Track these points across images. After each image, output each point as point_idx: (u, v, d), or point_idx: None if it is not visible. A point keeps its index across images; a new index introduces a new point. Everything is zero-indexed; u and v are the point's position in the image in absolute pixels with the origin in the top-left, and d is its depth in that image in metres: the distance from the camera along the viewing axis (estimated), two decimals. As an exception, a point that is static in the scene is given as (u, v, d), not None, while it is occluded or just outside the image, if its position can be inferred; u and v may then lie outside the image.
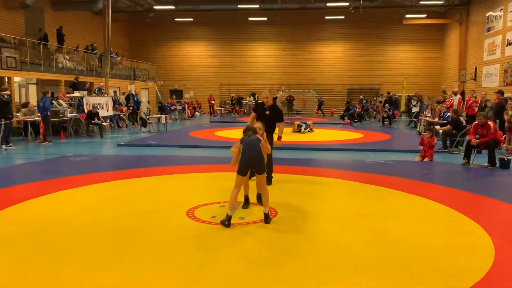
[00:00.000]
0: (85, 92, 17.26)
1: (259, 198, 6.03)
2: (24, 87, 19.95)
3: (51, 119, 14.16)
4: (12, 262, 4.07)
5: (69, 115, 15.82)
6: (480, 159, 10.11)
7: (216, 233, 4.97)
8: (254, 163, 5.39)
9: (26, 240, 4.66)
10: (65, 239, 4.72)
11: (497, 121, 12.35)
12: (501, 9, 21.07)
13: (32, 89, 20.39)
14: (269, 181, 7.25)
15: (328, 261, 4.13)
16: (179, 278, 3.73)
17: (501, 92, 13.84)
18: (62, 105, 15.77)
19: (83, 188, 7.18)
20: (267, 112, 7.28)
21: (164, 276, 3.78)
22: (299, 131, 16.76)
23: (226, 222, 5.15)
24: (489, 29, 22.59)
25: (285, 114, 29.53)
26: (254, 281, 3.71)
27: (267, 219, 5.32)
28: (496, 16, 21.67)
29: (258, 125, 6.02)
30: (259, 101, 7.52)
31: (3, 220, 5.40)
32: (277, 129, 7.40)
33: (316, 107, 30.92)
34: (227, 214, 5.21)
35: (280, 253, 4.34)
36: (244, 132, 5.56)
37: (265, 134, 6.12)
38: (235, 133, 16.76)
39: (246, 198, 6.06)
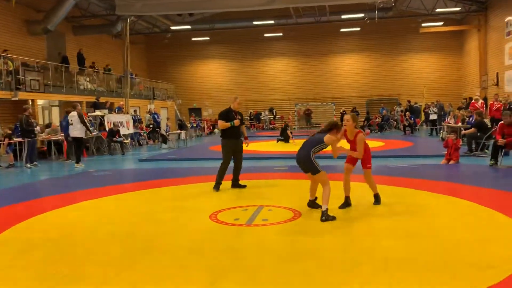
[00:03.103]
0: (106, 111, 17.54)
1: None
2: (47, 109, 20.41)
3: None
4: (39, 264, 4.08)
5: (91, 134, 16.05)
6: (508, 161, 9.82)
7: (241, 234, 4.90)
8: (299, 163, 5.63)
9: (53, 245, 4.67)
10: (91, 243, 4.71)
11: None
12: (520, 12, 20.75)
13: (55, 111, 20.84)
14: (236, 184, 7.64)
15: (357, 257, 4.00)
16: (205, 274, 3.66)
17: (525, 93, 13.50)
18: (84, 124, 16.03)
19: (107, 198, 7.21)
20: (239, 117, 7.53)
21: (190, 273, 3.72)
22: None
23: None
24: (509, 33, 22.23)
25: (303, 127, 29.77)
26: (283, 275, 3.62)
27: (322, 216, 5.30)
28: (515, 20, 21.34)
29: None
30: (227, 109, 7.63)
31: (30, 227, 5.44)
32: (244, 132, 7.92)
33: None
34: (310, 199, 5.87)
35: (307, 250, 4.24)
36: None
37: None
38: (255, 146, 16.74)
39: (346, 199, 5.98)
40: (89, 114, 17.85)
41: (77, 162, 11.94)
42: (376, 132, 23.35)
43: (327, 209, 5.30)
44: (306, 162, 5.48)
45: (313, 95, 31.67)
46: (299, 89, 32.04)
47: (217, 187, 7.55)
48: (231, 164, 7.70)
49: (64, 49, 22.79)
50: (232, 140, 7.56)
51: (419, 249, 4.14)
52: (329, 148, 5.68)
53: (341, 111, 28.58)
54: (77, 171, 11.01)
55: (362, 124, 24.71)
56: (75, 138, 12.09)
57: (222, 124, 7.49)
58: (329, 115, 31.24)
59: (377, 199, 6.03)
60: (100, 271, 3.81)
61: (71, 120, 11.98)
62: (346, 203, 5.91)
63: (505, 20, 22.48)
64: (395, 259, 3.88)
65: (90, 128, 12.69)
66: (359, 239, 4.59)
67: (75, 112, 12.02)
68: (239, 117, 7.54)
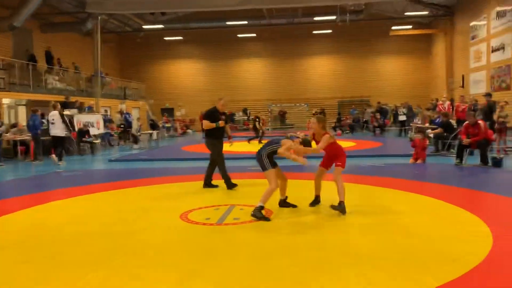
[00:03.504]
0: (75, 111, 17.17)
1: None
2: (13, 108, 19.80)
3: (42, 138, 14.01)
4: (4, 266, 3.95)
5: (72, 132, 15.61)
6: (472, 160, 10.13)
7: (211, 233, 4.89)
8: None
9: (18, 247, 4.54)
10: (57, 244, 4.60)
11: (488, 122, 12.41)
12: (485, 17, 21.48)
13: (22, 110, 20.23)
14: (228, 185, 7.47)
15: (327, 253, 4.06)
16: (175, 275, 3.63)
17: (489, 94, 13.97)
18: (52, 123, 15.63)
19: (74, 198, 7.06)
20: (223, 117, 7.51)
21: (159, 272, 3.68)
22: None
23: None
24: (473, 37, 22.98)
25: (277, 128, 29.90)
26: (253, 273, 3.63)
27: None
28: (480, 24, 22.09)
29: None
30: (212, 109, 7.60)
31: (-7, 229, 5.27)
32: (228, 131, 7.94)
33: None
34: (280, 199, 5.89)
35: (278, 248, 4.27)
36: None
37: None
38: (228, 146, 16.70)
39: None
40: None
41: (60, 159, 12.41)
42: (347, 132, 23.72)
43: (261, 206, 5.35)
44: (258, 158, 5.61)
45: (287, 96, 31.85)
46: (273, 90, 32.15)
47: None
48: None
49: (31, 47, 22.15)
50: (219, 140, 7.53)
51: (388, 245, 4.24)
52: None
53: (313, 112, 28.92)
54: (47, 171, 10.73)
55: (333, 125, 25.04)
56: (55, 137, 12.56)
57: (207, 124, 7.40)
58: (303, 116, 31.54)
59: (340, 207, 5.46)
60: (66, 272, 3.73)
61: (53, 119, 12.48)
62: (316, 201, 5.99)
63: (470, 24, 23.23)
64: (365, 255, 3.96)
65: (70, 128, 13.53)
66: (331, 236, 4.65)
67: (56, 111, 12.61)
68: (223, 117, 7.49)
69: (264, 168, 5.56)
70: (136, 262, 3.95)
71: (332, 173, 5.77)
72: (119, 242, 4.59)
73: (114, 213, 6.01)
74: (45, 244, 4.61)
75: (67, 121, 12.94)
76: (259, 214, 5.29)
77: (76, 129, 16.12)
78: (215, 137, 7.48)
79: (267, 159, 5.56)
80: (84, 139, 15.67)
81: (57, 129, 12.45)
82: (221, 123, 7.38)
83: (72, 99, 18.79)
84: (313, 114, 29.20)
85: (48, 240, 4.76)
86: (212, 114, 7.45)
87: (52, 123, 12.51)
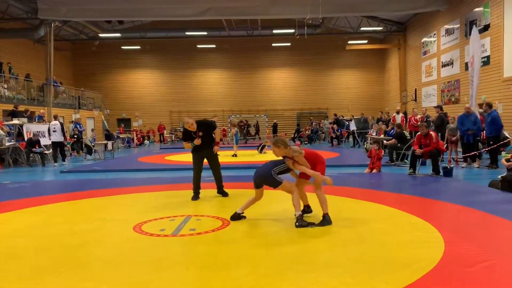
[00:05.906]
0: (25, 120, 16.42)
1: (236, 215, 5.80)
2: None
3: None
4: None
5: (7, 144, 14.90)
6: (425, 170, 10.46)
7: (166, 244, 4.72)
8: (257, 178, 5.60)
9: (-50, 262, 4.19)
10: (-4, 258, 4.29)
11: (439, 134, 12.88)
12: (435, 34, 22.50)
13: (-33, 119, 19.16)
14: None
15: (282, 262, 3.99)
16: (123, 286, 3.45)
17: (440, 107, 14.54)
18: (-1, 133, 14.89)
19: (20, 211, 6.66)
20: (200, 134, 7.38)
21: (106, 285, 3.48)
22: (261, 151, 16.73)
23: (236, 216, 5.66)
24: (425, 53, 24.00)
25: (240, 139, 29.87)
26: (206, 283, 3.51)
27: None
28: (430, 41, 23.10)
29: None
30: (184, 129, 7.55)
31: None
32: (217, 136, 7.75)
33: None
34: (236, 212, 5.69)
35: (235, 258, 4.16)
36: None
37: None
38: (186, 157, 16.47)
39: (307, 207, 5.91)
40: (5, 123, 16.61)
41: (63, 160, 15.27)
42: (306, 143, 24.01)
43: (300, 214, 5.31)
44: (267, 178, 5.40)
45: (247, 107, 32.00)
46: (233, 101, 32.22)
47: (193, 197, 7.34)
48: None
49: (-22, 53, 21.14)
50: (196, 152, 7.47)
51: (341, 252, 4.24)
52: None
53: (272, 123, 29.29)
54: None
55: (292, 136, 25.32)
56: (56, 143, 14.76)
57: (185, 145, 7.49)
58: (263, 127, 31.73)
59: (324, 221, 5.36)
60: (5, 288, 3.47)
61: (54, 128, 14.68)
62: (306, 211, 5.81)
63: (422, 40, 24.27)
64: (320, 263, 3.94)
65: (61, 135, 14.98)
66: (287, 245, 4.60)
67: (57, 121, 14.98)
68: (200, 133, 7.35)
69: (276, 184, 5.36)
70: (82, 275, 3.73)
71: (312, 183, 5.61)
72: (66, 255, 4.34)
73: (64, 225, 5.71)
74: (-16, 259, 4.29)
75: (64, 129, 15.35)
76: (304, 222, 5.23)
77: (26, 138, 15.43)
78: (194, 150, 7.48)
79: (277, 175, 5.41)
80: (34, 149, 14.98)
81: (58, 136, 14.65)
82: (196, 141, 7.32)
83: (21, 107, 18.00)
84: (272, 125, 29.45)
85: (-13, 254, 4.43)
86: (186, 135, 7.46)
87: (54, 131, 14.62)
